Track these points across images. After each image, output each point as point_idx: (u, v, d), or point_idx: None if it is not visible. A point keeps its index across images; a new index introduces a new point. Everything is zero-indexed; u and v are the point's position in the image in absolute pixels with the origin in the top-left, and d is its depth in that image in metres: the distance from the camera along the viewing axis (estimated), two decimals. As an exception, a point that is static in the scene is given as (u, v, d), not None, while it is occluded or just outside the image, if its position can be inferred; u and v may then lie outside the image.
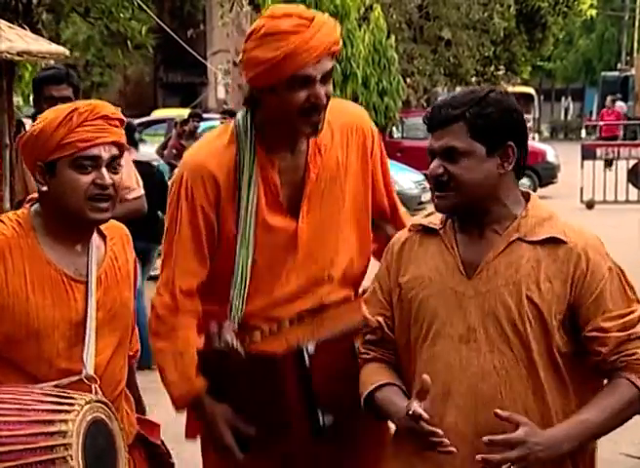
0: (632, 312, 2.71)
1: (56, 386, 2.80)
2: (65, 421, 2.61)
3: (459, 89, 28.66)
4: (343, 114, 3.21)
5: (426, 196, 18.65)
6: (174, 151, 15.00)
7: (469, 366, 2.67)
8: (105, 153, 2.84)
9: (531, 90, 37.81)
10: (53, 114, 2.87)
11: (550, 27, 29.10)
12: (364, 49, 19.65)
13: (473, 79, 27.84)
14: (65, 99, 4.86)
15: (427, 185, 18.81)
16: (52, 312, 2.84)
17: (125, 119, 2.96)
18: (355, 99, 19.22)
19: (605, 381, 2.75)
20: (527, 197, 2.79)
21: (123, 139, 2.93)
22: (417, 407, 2.59)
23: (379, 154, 3.28)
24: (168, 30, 21.58)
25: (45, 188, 2.87)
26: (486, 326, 2.67)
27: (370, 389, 2.82)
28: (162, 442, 3.23)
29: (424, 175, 19.28)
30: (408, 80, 24.15)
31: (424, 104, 26.16)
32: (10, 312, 2.81)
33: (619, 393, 2.66)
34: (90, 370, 2.86)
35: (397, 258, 2.85)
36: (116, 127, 2.89)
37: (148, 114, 27.73)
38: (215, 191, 3.05)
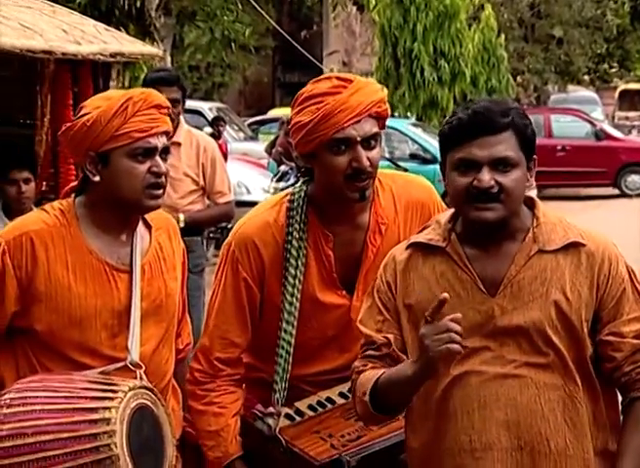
0: None
1: (101, 373, 2.75)
2: (109, 408, 2.56)
3: (571, 87, 28.20)
4: (410, 190, 3.06)
5: (532, 193, 18.24)
6: (279, 149, 15.10)
7: (505, 378, 2.54)
8: (160, 142, 2.80)
9: (646, 87, 36.85)
10: (105, 103, 2.80)
11: (666, 24, 28.37)
12: (473, 48, 19.50)
13: (585, 77, 27.38)
14: (174, 102, 4.88)
15: (534, 183, 18.58)
16: (94, 301, 2.78)
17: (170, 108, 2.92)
18: (464, 98, 19.09)
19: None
20: (531, 203, 2.64)
21: (171, 128, 2.89)
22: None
23: None
24: (282, 33, 21.73)
25: (97, 178, 2.79)
26: (517, 340, 2.54)
27: (371, 384, 2.59)
28: None
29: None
30: (518, 78, 23.87)
31: (534, 102, 25.82)
32: (53, 301, 2.76)
33: None
34: (135, 356, 2.80)
35: (402, 278, 2.64)
36: (166, 115, 2.85)
37: (266, 113, 27.95)
38: (259, 265, 2.96)
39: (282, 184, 13.08)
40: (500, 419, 2.54)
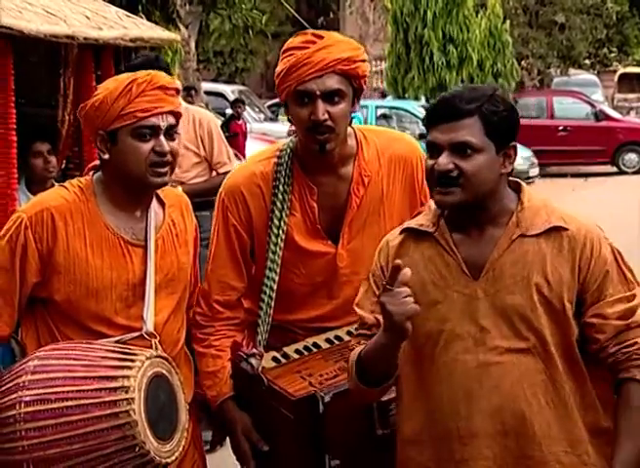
0: (633, 298, 2.49)
1: (117, 342, 2.75)
2: (128, 377, 2.56)
3: (572, 70, 28.01)
4: (393, 145, 3.02)
5: (534, 171, 18.30)
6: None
7: (488, 366, 2.46)
8: (163, 122, 2.78)
9: (644, 70, 36.63)
10: (113, 84, 2.80)
11: (664, 10, 28.08)
12: (480, 34, 19.39)
13: (586, 61, 27.20)
14: None
15: (535, 161, 18.50)
16: (109, 273, 2.79)
17: (180, 88, 2.88)
18: (471, 81, 18.97)
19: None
20: (518, 188, 2.56)
21: (179, 108, 2.85)
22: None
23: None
24: (301, 20, 21.63)
25: (107, 156, 2.79)
26: (499, 325, 2.46)
27: (355, 358, 2.57)
28: None
29: (535, 151, 19.00)
30: (522, 62, 23.72)
31: (537, 85, 25.67)
32: (71, 273, 2.77)
33: (636, 408, 2.43)
34: (150, 326, 2.80)
35: (394, 261, 2.54)
36: (172, 96, 2.82)
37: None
38: (247, 213, 2.97)
39: (297, 162, 13.09)
40: (484, 407, 2.47)
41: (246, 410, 2.96)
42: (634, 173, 20.83)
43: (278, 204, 2.93)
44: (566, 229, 2.49)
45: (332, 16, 29.11)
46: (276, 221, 2.94)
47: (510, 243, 2.48)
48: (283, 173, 2.93)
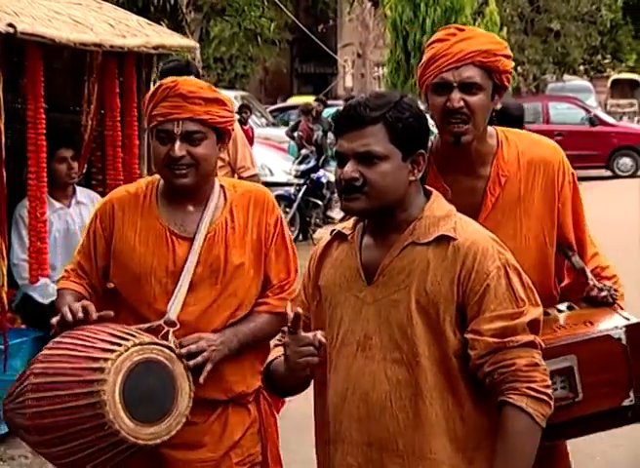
0: (518, 316, 2.35)
1: (149, 328, 2.86)
2: (107, 359, 2.67)
3: (567, 76, 28.11)
4: (535, 148, 2.95)
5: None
6: (300, 134, 15.16)
7: (363, 374, 2.39)
8: (178, 128, 2.87)
9: (636, 76, 36.77)
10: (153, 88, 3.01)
11: (656, 18, 28.20)
12: (477, 40, 19.46)
13: (581, 67, 27.31)
14: None
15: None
16: (151, 260, 2.93)
17: (211, 97, 2.91)
18: (469, 87, 19.10)
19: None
20: (428, 197, 2.48)
21: (208, 115, 2.89)
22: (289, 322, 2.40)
23: (569, 191, 2.97)
24: (301, 26, 21.71)
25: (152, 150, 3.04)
26: (381, 333, 2.38)
27: (265, 366, 2.62)
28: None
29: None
30: (518, 68, 23.79)
31: (533, 90, 25.76)
32: (122, 258, 2.97)
33: (511, 433, 2.31)
34: (172, 315, 2.89)
35: (318, 262, 2.56)
36: (195, 104, 2.87)
37: (284, 101, 27.97)
38: None
39: (303, 166, 13.17)
40: (353, 414, 2.41)
41: None
42: (628, 176, 20.93)
43: None
44: (454, 239, 2.39)
45: (330, 23, 29.15)
46: None
47: (401, 250, 2.41)
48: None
